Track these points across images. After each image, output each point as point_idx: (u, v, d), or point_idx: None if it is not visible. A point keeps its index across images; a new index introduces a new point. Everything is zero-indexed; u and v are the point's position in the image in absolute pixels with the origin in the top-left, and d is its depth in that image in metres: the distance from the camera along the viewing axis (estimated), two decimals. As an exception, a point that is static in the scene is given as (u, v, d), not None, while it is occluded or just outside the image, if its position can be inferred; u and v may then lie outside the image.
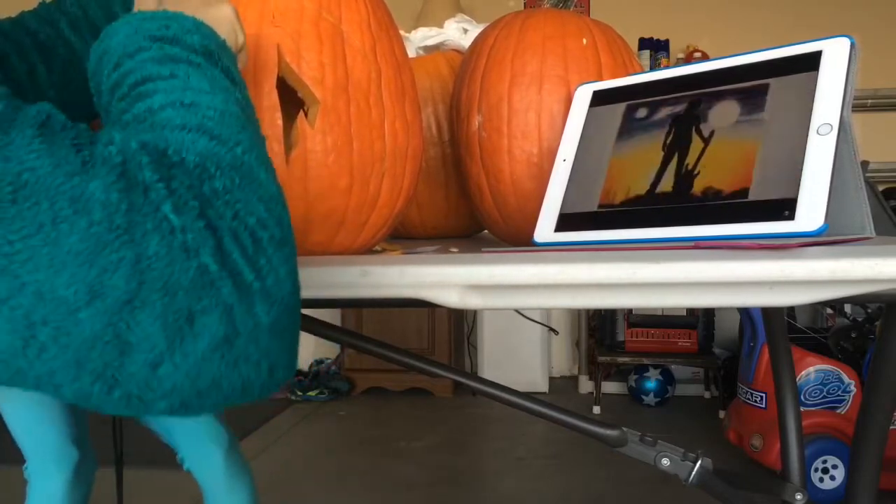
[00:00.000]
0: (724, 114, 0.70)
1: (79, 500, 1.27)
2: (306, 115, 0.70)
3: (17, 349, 0.36)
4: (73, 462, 1.25)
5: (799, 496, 1.09)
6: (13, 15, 0.71)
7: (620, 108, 0.79)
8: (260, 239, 0.41)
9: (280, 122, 0.69)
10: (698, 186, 0.68)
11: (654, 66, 3.51)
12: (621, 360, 3.28)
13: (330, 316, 3.40)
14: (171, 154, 0.41)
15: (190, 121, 0.44)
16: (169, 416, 0.41)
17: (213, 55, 0.51)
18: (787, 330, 1.24)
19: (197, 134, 0.43)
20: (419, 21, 3.12)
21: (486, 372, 3.53)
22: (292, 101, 0.70)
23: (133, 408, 0.39)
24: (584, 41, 0.87)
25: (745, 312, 2.52)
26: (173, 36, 0.50)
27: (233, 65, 0.53)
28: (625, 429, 0.89)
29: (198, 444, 1.41)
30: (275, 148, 0.68)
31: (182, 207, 0.39)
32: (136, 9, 0.57)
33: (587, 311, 3.54)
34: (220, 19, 0.57)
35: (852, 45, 0.65)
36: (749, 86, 0.70)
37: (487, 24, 0.97)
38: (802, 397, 2.27)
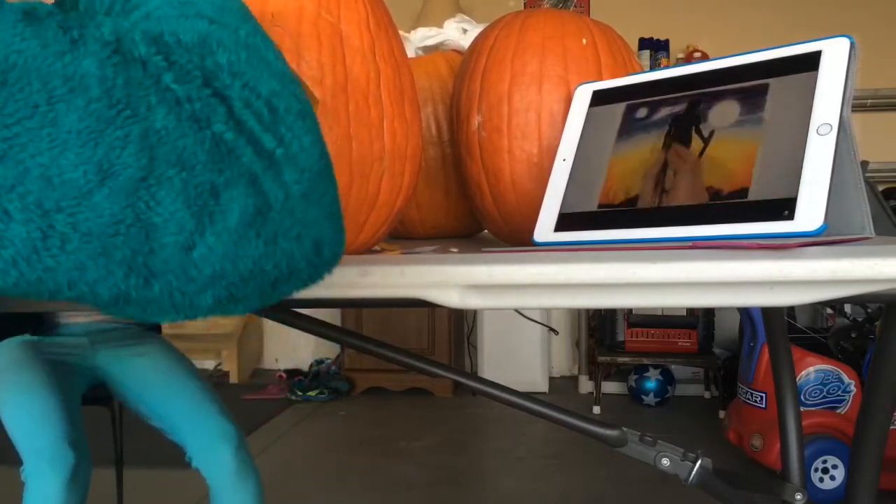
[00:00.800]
0: (723, 114, 0.70)
1: (75, 503, 1.27)
2: (306, 115, 0.70)
3: (38, 242, 0.34)
4: (70, 464, 1.25)
5: (799, 496, 1.09)
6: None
7: (620, 108, 0.79)
8: (276, 108, 0.39)
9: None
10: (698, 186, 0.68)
11: (654, 66, 3.51)
12: (621, 360, 3.28)
13: (330, 316, 3.40)
14: (167, 37, 0.38)
15: (187, 10, 0.41)
16: (218, 312, 0.38)
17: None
18: (787, 330, 1.24)
19: (195, 19, 0.40)
20: (419, 21, 3.12)
21: (486, 372, 3.53)
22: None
23: (178, 306, 0.37)
24: (584, 41, 0.87)
25: (745, 312, 2.52)
26: None
27: None
28: (625, 429, 0.89)
29: (207, 441, 1.40)
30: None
31: (184, 77, 0.37)
32: None
33: (587, 311, 3.54)
34: None
35: (852, 45, 0.65)
36: (749, 86, 0.70)
37: (487, 24, 0.97)
38: (802, 397, 2.27)
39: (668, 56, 3.69)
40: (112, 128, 0.35)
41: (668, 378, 3.32)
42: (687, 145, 0.72)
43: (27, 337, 1.51)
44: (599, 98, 0.81)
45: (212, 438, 1.40)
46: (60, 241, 0.34)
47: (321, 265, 0.40)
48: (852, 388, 2.28)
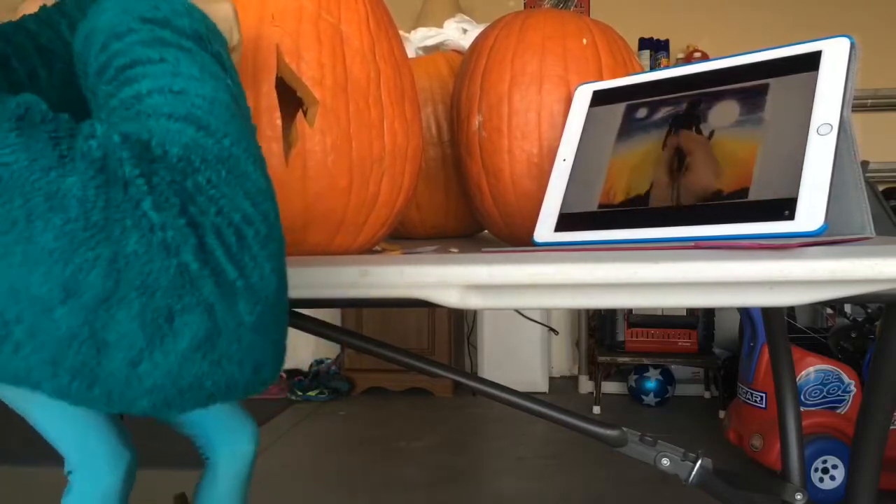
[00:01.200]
0: (724, 114, 0.70)
1: (126, 499, 1.29)
2: (305, 115, 0.70)
3: None
4: (127, 462, 1.27)
5: (799, 496, 1.09)
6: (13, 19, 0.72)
7: (620, 108, 0.79)
8: (245, 236, 0.40)
9: (279, 122, 0.69)
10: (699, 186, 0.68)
11: (654, 66, 3.51)
12: (621, 360, 3.28)
13: (330, 316, 3.40)
14: (154, 147, 0.40)
15: (177, 109, 0.43)
16: (151, 414, 0.40)
17: (204, 39, 0.49)
18: (787, 330, 1.24)
19: (184, 124, 0.42)
20: (419, 21, 3.12)
21: (486, 372, 3.53)
22: (291, 101, 0.70)
23: (114, 405, 0.38)
24: (584, 41, 0.87)
25: (745, 312, 2.52)
26: (163, 18, 0.48)
27: (224, 50, 0.52)
28: (625, 429, 0.89)
29: (237, 438, 1.42)
30: (273, 148, 0.68)
31: (163, 204, 0.38)
32: None
33: (587, 311, 3.54)
34: (217, 15, 0.56)
35: (852, 45, 0.65)
36: (749, 86, 0.70)
37: (487, 24, 0.97)
38: (802, 397, 2.27)
39: (668, 56, 3.69)
40: (84, 248, 0.36)
41: (668, 378, 3.32)
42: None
43: None
44: (599, 98, 0.81)
45: (241, 436, 1.43)
46: (14, 347, 0.36)
47: (258, 384, 0.42)
48: (852, 388, 2.28)
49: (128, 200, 0.37)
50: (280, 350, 0.43)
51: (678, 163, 0.71)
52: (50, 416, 1.29)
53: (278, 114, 0.69)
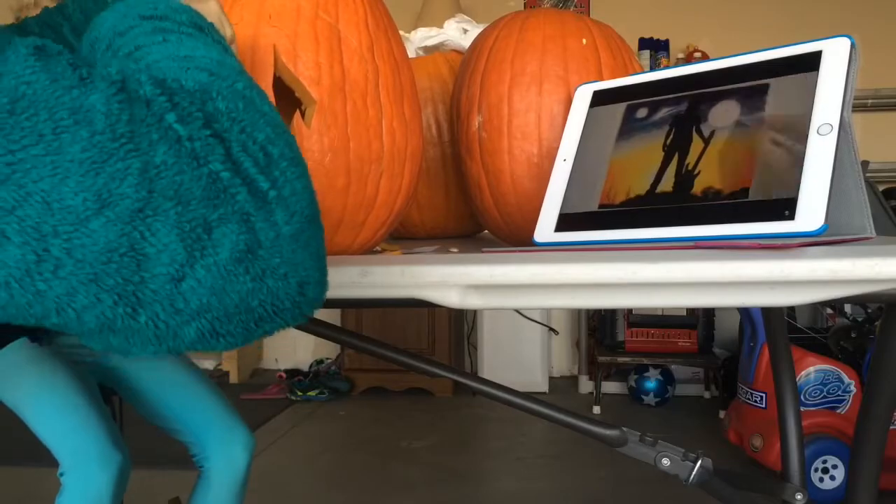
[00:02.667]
0: (724, 114, 0.70)
1: (118, 501, 1.28)
2: (303, 114, 0.70)
3: (31, 265, 0.35)
4: (118, 463, 1.26)
5: (799, 496, 1.09)
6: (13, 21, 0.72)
7: (620, 108, 0.79)
8: (271, 154, 0.40)
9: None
10: (698, 186, 0.68)
11: (654, 66, 3.51)
12: (621, 360, 3.28)
13: (330, 316, 3.40)
14: (170, 82, 0.40)
15: (188, 63, 0.43)
16: (200, 347, 0.39)
17: (204, 29, 0.50)
18: (787, 330, 1.24)
19: (195, 71, 0.42)
20: (419, 21, 3.12)
21: (486, 372, 3.53)
22: (289, 100, 0.70)
23: (162, 337, 0.38)
24: (584, 41, 0.87)
25: (745, 312, 2.52)
26: (163, 13, 0.49)
27: (224, 42, 0.52)
28: (625, 429, 0.89)
29: (230, 447, 1.42)
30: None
31: (187, 118, 0.38)
32: None
33: (587, 311, 3.54)
34: (207, 12, 0.56)
35: (852, 45, 0.65)
36: (749, 86, 0.70)
37: (487, 24, 0.97)
38: (802, 397, 2.27)
39: (668, 56, 3.69)
40: (114, 159, 0.36)
41: (668, 378, 3.32)
42: (688, 145, 0.72)
43: (26, 341, 1.50)
44: (600, 98, 0.81)
45: (235, 446, 1.43)
46: (54, 265, 0.35)
47: (304, 305, 0.41)
48: (852, 388, 2.28)
49: (152, 115, 0.38)
50: (322, 268, 0.42)
51: (678, 163, 0.71)
52: (41, 414, 1.29)
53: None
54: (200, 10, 0.55)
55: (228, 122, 0.40)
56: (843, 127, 0.62)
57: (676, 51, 3.72)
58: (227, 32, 0.59)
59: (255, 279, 0.38)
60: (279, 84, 0.70)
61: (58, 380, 1.34)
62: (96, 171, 0.36)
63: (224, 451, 1.42)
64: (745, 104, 0.69)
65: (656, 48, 3.67)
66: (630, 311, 3.26)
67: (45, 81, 0.36)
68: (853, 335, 2.39)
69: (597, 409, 3.22)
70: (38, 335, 1.52)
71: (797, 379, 2.14)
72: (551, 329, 3.75)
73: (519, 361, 3.56)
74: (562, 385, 3.75)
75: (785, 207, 0.61)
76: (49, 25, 0.71)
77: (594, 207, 0.75)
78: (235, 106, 0.41)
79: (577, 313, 3.73)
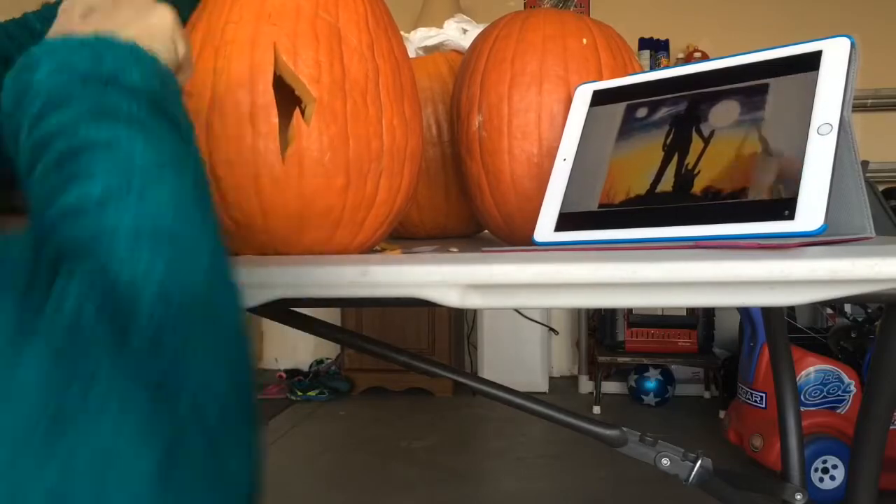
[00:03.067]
0: (724, 114, 0.70)
1: None
2: (302, 113, 0.70)
3: None
4: None
5: (799, 496, 1.09)
6: (15, 16, 0.71)
7: (620, 107, 0.79)
8: (222, 416, 0.35)
9: (276, 120, 0.69)
10: (698, 186, 0.68)
11: (654, 66, 3.51)
12: (621, 360, 3.28)
13: (330, 316, 3.40)
14: (123, 295, 0.34)
15: (142, 223, 0.37)
16: None
17: (157, 96, 0.43)
18: (787, 330, 1.24)
19: (152, 244, 0.36)
20: (419, 21, 3.12)
21: (486, 372, 3.53)
22: (289, 99, 0.70)
23: None
24: (584, 41, 0.87)
25: (745, 312, 2.52)
26: (109, 74, 0.42)
27: (176, 99, 0.46)
28: (625, 429, 0.89)
29: None
30: (270, 146, 0.68)
31: (129, 396, 0.32)
32: (58, 21, 0.49)
33: (587, 311, 3.54)
34: (157, 29, 0.50)
35: (852, 45, 0.65)
36: (749, 86, 0.70)
37: (487, 24, 0.97)
38: (802, 397, 2.27)
39: (668, 56, 3.69)
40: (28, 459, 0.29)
41: (668, 378, 3.32)
42: (688, 145, 0.72)
43: None
44: (600, 98, 0.81)
45: None
46: None
47: None
48: (852, 388, 2.28)
49: (84, 397, 0.31)
50: None
51: (678, 163, 0.71)
52: None
53: (275, 112, 0.69)
54: (149, 28, 0.49)
55: (179, 390, 0.34)
56: (843, 127, 0.62)
57: (676, 51, 3.72)
58: (179, 51, 0.52)
59: None
60: (279, 82, 0.70)
61: None
62: (8, 469, 0.29)
63: None
64: (744, 104, 0.69)
65: (656, 48, 3.67)
66: (630, 311, 3.26)
67: None
68: (853, 335, 2.39)
69: (597, 409, 3.22)
70: None
71: (797, 379, 2.14)
72: (551, 329, 3.75)
73: (519, 361, 3.56)
74: (562, 385, 3.75)
75: (785, 207, 0.61)
76: (50, 21, 0.71)
77: (594, 207, 0.75)
78: (191, 332, 0.35)
79: (577, 313, 3.73)
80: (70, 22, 0.48)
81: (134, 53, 0.44)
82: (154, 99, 0.43)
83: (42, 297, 0.33)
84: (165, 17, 0.51)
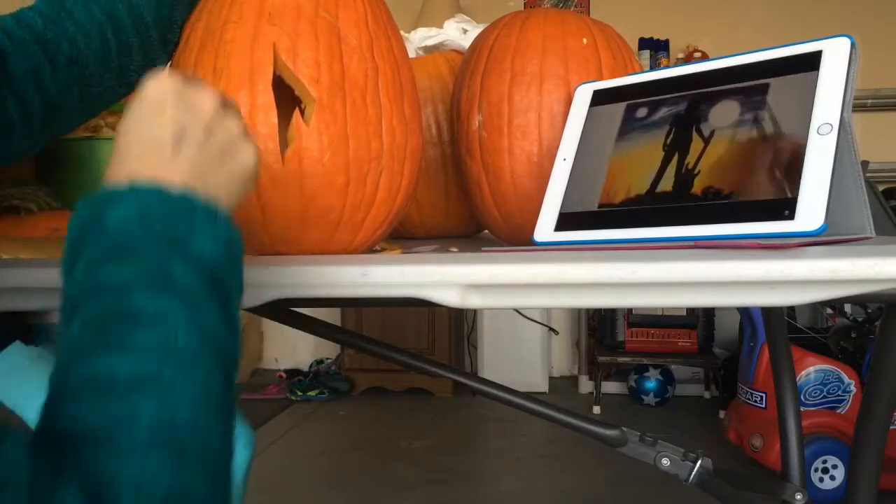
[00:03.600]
0: (724, 113, 0.70)
1: None
2: (302, 113, 0.70)
3: None
4: None
5: (799, 496, 1.09)
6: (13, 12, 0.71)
7: (620, 107, 0.79)
8: None
9: (275, 120, 0.69)
10: (698, 186, 0.68)
11: (654, 66, 3.51)
12: (621, 360, 3.28)
13: (330, 316, 3.40)
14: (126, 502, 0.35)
15: (156, 431, 0.37)
16: None
17: (218, 269, 0.43)
18: (787, 330, 1.24)
19: (160, 456, 0.36)
20: (419, 21, 3.12)
21: (486, 372, 3.52)
22: (289, 98, 0.70)
23: None
24: (585, 41, 0.87)
25: (745, 312, 2.52)
26: (180, 239, 0.42)
27: (236, 266, 0.46)
28: (625, 429, 0.89)
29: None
30: (270, 146, 0.68)
31: None
32: (142, 136, 0.47)
33: (587, 311, 3.54)
34: (241, 173, 0.49)
35: (852, 45, 0.65)
36: (749, 86, 0.70)
37: (487, 24, 0.97)
38: (802, 397, 2.27)
39: (668, 56, 3.69)
40: None
41: (668, 378, 3.32)
42: (688, 145, 0.72)
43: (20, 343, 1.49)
44: (600, 98, 0.81)
45: (236, 443, 1.42)
46: None
47: None
48: (852, 388, 2.28)
49: None
50: None
51: (678, 162, 0.71)
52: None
53: (275, 112, 0.69)
54: (235, 175, 0.49)
55: None
56: (843, 127, 0.62)
57: (676, 51, 3.72)
58: (252, 187, 0.52)
59: None
60: (279, 82, 0.70)
61: None
62: None
63: None
64: (745, 104, 0.69)
65: (656, 48, 3.67)
66: (630, 311, 3.26)
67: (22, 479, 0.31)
68: (853, 335, 2.39)
69: (597, 409, 3.22)
70: (34, 337, 1.52)
71: (797, 379, 2.14)
72: (551, 329, 3.75)
73: (519, 361, 3.56)
74: (562, 385, 3.75)
75: (785, 207, 0.61)
76: (49, 18, 0.71)
77: (594, 207, 0.75)
78: None
79: (577, 313, 3.73)
80: (161, 148, 0.46)
81: (210, 220, 0.44)
82: (214, 272, 0.43)
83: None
84: (251, 158, 0.50)
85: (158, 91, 0.47)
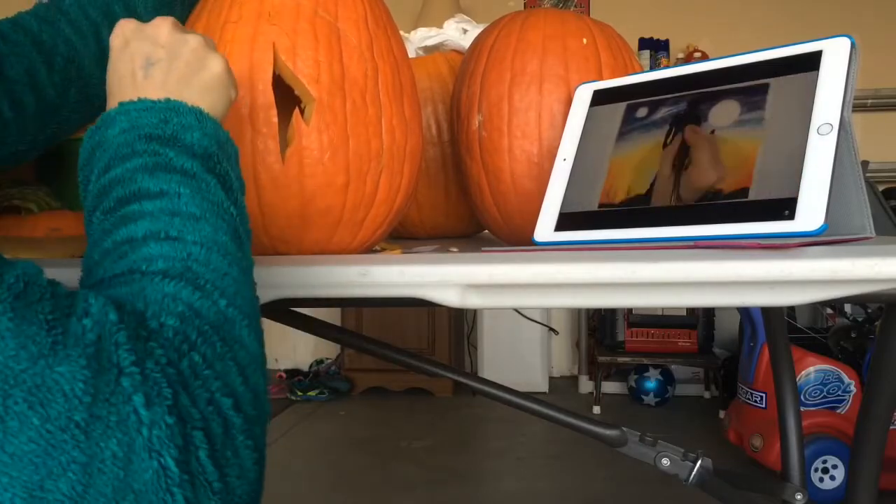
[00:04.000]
0: (724, 114, 0.70)
1: None
2: (302, 112, 0.70)
3: None
4: None
5: (799, 496, 1.09)
6: (10, 15, 0.71)
7: (620, 107, 0.79)
8: (232, 425, 0.38)
9: (275, 119, 0.69)
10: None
11: (654, 66, 3.51)
12: (621, 360, 3.28)
13: (330, 316, 3.40)
14: (149, 319, 0.38)
15: (172, 266, 0.41)
16: None
17: (213, 158, 0.48)
18: (787, 330, 1.24)
19: (178, 285, 0.40)
20: (419, 21, 3.12)
21: (486, 372, 3.52)
22: (288, 98, 0.70)
23: None
24: (584, 41, 0.87)
25: (745, 312, 2.52)
26: (171, 134, 0.47)
27: (232, 165, 0.50)
28: (625, 429, 0.89)
29: None
30: (270, 146, 0.68)
31: (154, 398, 0.35)
32: (115, 67, 0.53)
33: (587, 311, 3.54)
34: (213, 81, 0.53)
35: (852, 45, 0.65)
36: (749, 86, 0.70)
37: (487, 24, 0.97)
38: (802, 397, 2.27)
39: (668, 56, 3.69)
40: (58, 451, 0.32)
41: (668, 378, 3.32)
42: (687, 145, 0.72)
43: None
44: (600, 98, 0.81)
45: None
46: None
47: None
48: (852, 388, 2.28)
49: (118, 394, 0.34)
50: None
51: (678, 162, 0.71)
52: None
53: (275, 111, 0.69)
54: (208, 82, 0.52)
55: (200, 390, 0.37)
56: (843, 127, 0.62)
57: (676, 51, 3.72)
58: (232, 97, 0.56)
59: None
60: (278, 82, 0.70)
61: None
62: (35, 465, 0.32)
63: None
64: (745, 104, 0.69)
65: (656, 48, 3.67)
66: (630, 311, 3.26)
67: (13, 349, 0.32)
68: (853, 335, 2.39)
69: (597, 409, 3.22)
70: None
71: (797, 379, 2.14)
72: (551, 329, 3.75)
73: (519, 361, 3.56)
74: (562, 385, 3.75)
75: (785, 207, 0.61)
76: (46, 21, 0.71)
77: (594, 207, 0.75)
78: (213, 351, 0.39)
79: (577, 313, 3.73)
80: (133, 77, 0.52)
81: (197, 117, 0.49)
82: (208, 157, 0.48)
83: (66, 318, 0.35)
84: (219, 66, 0.54)
85: (119, 35, 0.53)
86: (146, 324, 0.38)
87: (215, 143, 0.49)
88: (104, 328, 0.36)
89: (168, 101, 0.49)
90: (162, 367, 0.36)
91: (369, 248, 0.80)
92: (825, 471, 2.25)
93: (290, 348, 4.05)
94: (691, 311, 3.24)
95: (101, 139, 0.48)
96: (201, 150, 0.48)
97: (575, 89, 0.83)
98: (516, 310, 3.49)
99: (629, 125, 0.77)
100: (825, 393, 2.28)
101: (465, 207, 1.07)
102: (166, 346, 0.37)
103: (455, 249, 0.85)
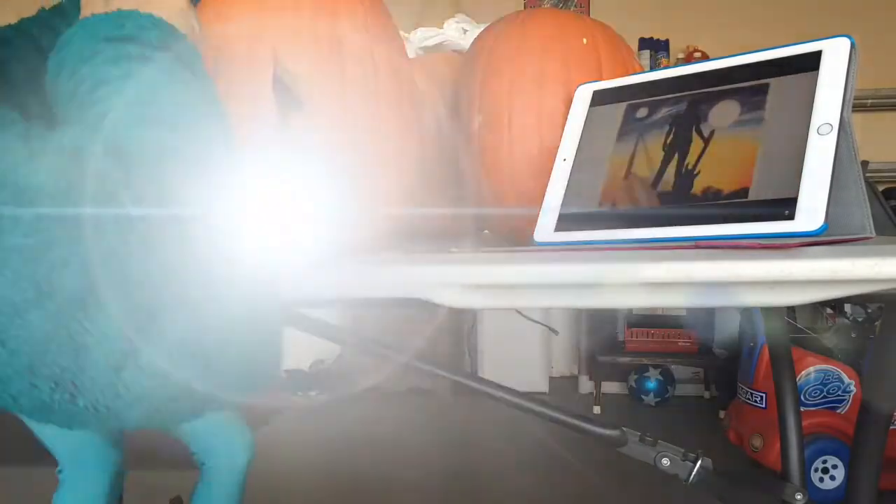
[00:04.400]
0: (724, 113, 0.70)
1: (116, 496, 1.30)
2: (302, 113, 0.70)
3: None
4: (115, 460, 1.28)
5: (799, 496, 1.09)
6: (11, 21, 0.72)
7: (621, 107, 0.79)
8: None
9: (275, 120, 0.69)
10: (698, 186, 0.68)
11: (654, 66, 3.51)
12: (621, 360, 3.28)
13: (330, 316, 3.39)
14: (126, 149, 0.39)
15: (146, 112, 0.42)
16: (147, 426, 0.38)
17: (171, 49, 0.48)
18: (787, 330, 1.24)
19: (152, 126, 0.41)
20: (419, 21, 3.11)
21: (486, 372, 3.52)
22: (288, 100, 0.70)
23: (104, 419, 0.36)
24: (585, 41, 0.87)
25: (745, 312, 2.52)
26: (128, 35, 0.48)
27: (196, 60, 0.51)
28: (625, 429, 0.89)
29: (231, 447, 1.43)
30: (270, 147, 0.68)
31: (140, 198, 0.36)
32: (83, 9, 0.54)
33: (587, 310, 3.54)
34: (170, 8, 0.54)
35: (852, 45, 0.65)
36: (749, 86, 0.70)
37: (487, 24, 0.97)
38: (802, 397, 2.27)
39: (668, 56, 3.69)
40: (57, 246, 0.33)
41: (668, 378, 3.32)
42: (688, 145, 0.72)
43: None
44: (600, 98, 0.81)
45: (235, 444, 1.44)
46: None
47: (251, 387, 0.40)
48: (852, 388, 2.28)
49: (105, 193, 0.35)
50: (274, 351, 0.41)
51: (678, 163, 0.71)
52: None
53: (275, 111, 0.69)
54: (163, 7, 0.53)
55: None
56: (843, 127, 0.62)
57: (676, 51, 3.72)
58: (195, 26, 0.56)
59: (200, 366, 0.36)
60: (278, 83, 0.70)
61: None
62: (36, 259, 0.33)
63: (224, 449, 1.43)
64: (744, 104, 0.69)
65: (656, 48, 3.67)
66: (630, 311, 3.26)
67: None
68: (853, 335, 2.39)
69: (597, 409, 3.22)
70: None
71: (797, 379, 2.14)
72: (551, 329, 3.75)
73: (519, 361, 3.56)
74: (562, 385, 3.75)
75: (785, 207, 0.61)
76: (47, 26, 0.71)
77: (594, 207, 0.75)
78: (188, 174, 0.40)
79: (577, 313, 3.73)
80: (94, 6, 0.53)
81: (152, 21, 0.49)
82: (166, 48, 0.48)
83: (42, 139, 0.37)
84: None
85: None
86: (122, 147, 0.39)
87: (174, 40, 0.50)
88: (82, 140, 0.39)
89: (120, 10, 0.50)
90: (142, 181, 0.38)
91: (369, 249, 0.80)
92: (825, 471, 2.25)
93: (290, 348, 4.04)
94: (691, 311, 3.24)
95: (63, 57, 0.49)
96: (161, 44, 0.48)
97: (575, 89, 0.83)
98: (516, 310, 3.49)
99: (629, 125, 0.77)
100: (825, 393, 2.28)
101: (464, 207, 1.07)
102: (144, 164, 0.39)
103: (455, 249, 0.85)
